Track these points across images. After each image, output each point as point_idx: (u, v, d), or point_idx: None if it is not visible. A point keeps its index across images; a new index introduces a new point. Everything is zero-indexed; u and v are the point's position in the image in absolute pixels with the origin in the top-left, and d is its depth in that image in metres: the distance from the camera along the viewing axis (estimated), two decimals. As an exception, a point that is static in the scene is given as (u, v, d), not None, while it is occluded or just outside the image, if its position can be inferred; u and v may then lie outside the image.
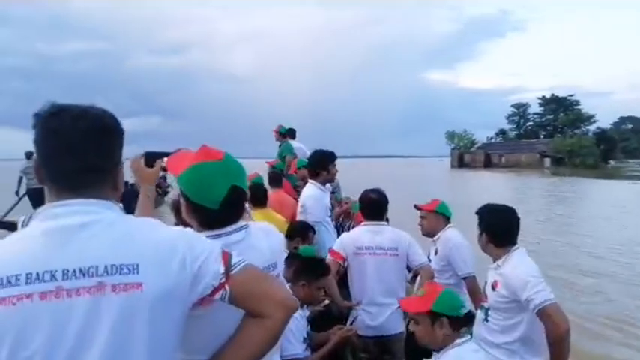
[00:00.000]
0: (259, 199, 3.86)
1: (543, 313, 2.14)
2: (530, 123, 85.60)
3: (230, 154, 1.37)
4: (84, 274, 0.90)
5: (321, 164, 3.93)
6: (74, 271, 0.89)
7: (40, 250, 0.90)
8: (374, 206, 3.07)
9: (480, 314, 2.54)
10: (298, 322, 2.37)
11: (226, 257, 1.05)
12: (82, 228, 0.93)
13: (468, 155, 69.69)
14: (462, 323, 2.02)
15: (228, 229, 1.31)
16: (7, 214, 8.21)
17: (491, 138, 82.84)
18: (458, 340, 1.94)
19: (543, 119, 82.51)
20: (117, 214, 0.99)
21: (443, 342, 1.95)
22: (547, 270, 7.34)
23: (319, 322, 2.95)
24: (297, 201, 4.74)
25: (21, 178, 10.26)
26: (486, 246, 2.51)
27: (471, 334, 2.64)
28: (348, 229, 4.83)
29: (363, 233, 3.02)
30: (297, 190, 6.00)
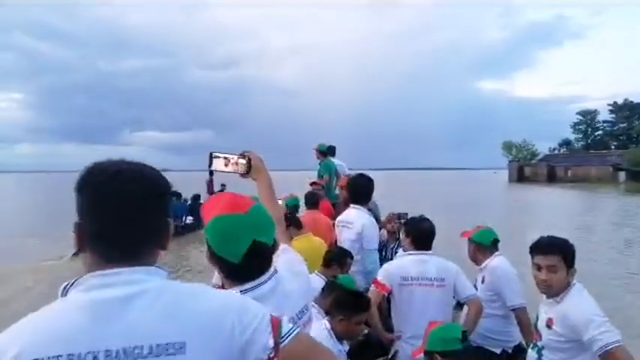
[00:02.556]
0: (296, 223, 4.06)
1: (609, 356, 2.09)
2: (600, 132, 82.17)
3: (259, 206, 1.43)
4: (127, 356, 0.89)
5: (368, 192, 4.21)
6: (117, 352, 0.89)
7: (82, 327, 0.89)
8: (422, 236, 3.12)
9: (532, 353, 2.50)
10: (337, 358, 2.41)
11: (276, 326, 1.05)
12: (127, 301, 0.92)
13: (528, 168, 67.52)
14: (462, 357, 2.07)
15: (261, 279, 1.38)
16: None
17: (554, 149, 79.93)
18: None
19: (615, 128, 79.03)
20: (163, 282, 0.99)
21: None
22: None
23: (358, 352, 3.00)
24: (333, 220, 4.90)
25: None
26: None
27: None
28: (392, 249, 4.92)
29: (409, 263, 3.07)
30: (334, 206, 6.21)
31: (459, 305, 3.32)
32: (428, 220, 3.21)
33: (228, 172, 1.79)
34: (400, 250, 4.34)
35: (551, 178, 62.60)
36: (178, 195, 15.79)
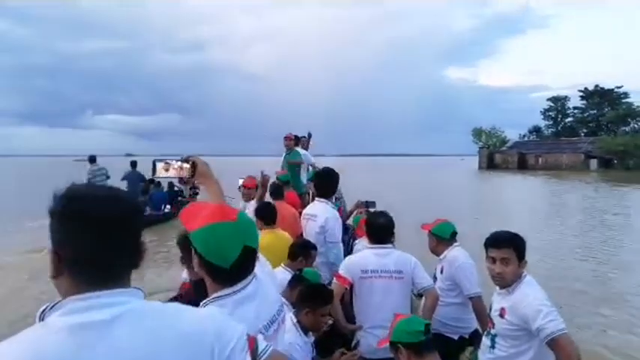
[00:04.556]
0: (270, 217, 4.29)
1: (555, 344, 2.37)
2: (570, 119, 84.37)
3: (244, 213, 1.61)
4: None
5: (334, 185, 4.52)
6: None
7: (67, 351, 0.92)
8: (381, 231, 3.40)
9: (485, 340, 2.80)
10: (302, 351, 2.64)
11: (252, 345, 1.18)
12: (109, 324, 0.97)
13: (499, 155, 69.20)
14: (424, 348, 2.30)
15: (245, 281, 1.56)
16: None
17: (524, 136, 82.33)
18: None
19: (585, 114, 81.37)
20: (142, 303, 1.06)
21: None
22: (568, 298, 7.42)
23: (323, 342, 3.20)
24: (299, 210, 5.18)
25: (89, 180, 12.11)
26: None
27: (476, 357, 2.96)
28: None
29: (369, 256, 3.35)
30: (301, 197, 6.53)
31: (420, 295, 3.61)
32: (385, 214, 3.50)
33: (171, 177, 1.96)
34: (358, 242, 4.67)
35: (522, 166, 64.39)
36: (158, 184, 15.95)
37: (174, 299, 3.56)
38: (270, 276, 1.81)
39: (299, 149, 7.80)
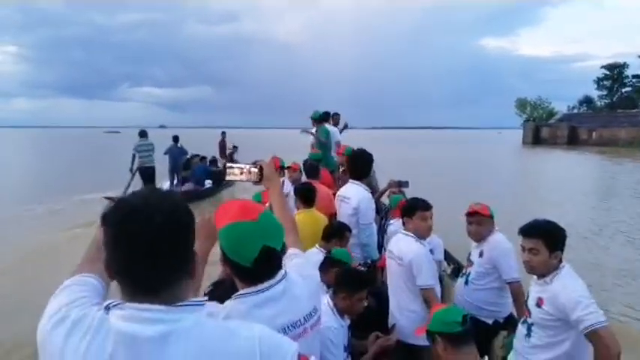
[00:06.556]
0: (309, 199, 4.51)
1: (594, 336, 2.46)
2: (628, 89, 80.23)
3: (267, 212, 1.68)
4: None
5: (367, 168, 4.79)
6: None
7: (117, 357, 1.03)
8: None
9: (522, 328, 2.93)
10: (339, 333, 2.81)
11: None
12: (160, 342, 1.04)
13: (546, 129, 66.73)
14: (461, 339, 2.42)
15: (272, 281, 1.62)
16: (125, 191, 10.60)
17: (573, 107, 78.90)
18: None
19: (647, 83, 76.89)
20: (195, 320, 1.10)
21: None
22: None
23: (357, 324, 3.33)
24: (333, 190, 5.40)
25: (134, 156, 12.94)
26: None
27: (511, 342, 3.12)
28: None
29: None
30: (332, 173, 6.78)
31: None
32: (424, 201, 3.68)
33: (243, 180, 2.15)
34: (393, 223, 4.88)
35: (573, 141, 61.93)
36: (202, 158, 16.82)
37: (217, 284, 3.84)
38: (307, 278, 1.83)
39: (328, 126, 8.08)
